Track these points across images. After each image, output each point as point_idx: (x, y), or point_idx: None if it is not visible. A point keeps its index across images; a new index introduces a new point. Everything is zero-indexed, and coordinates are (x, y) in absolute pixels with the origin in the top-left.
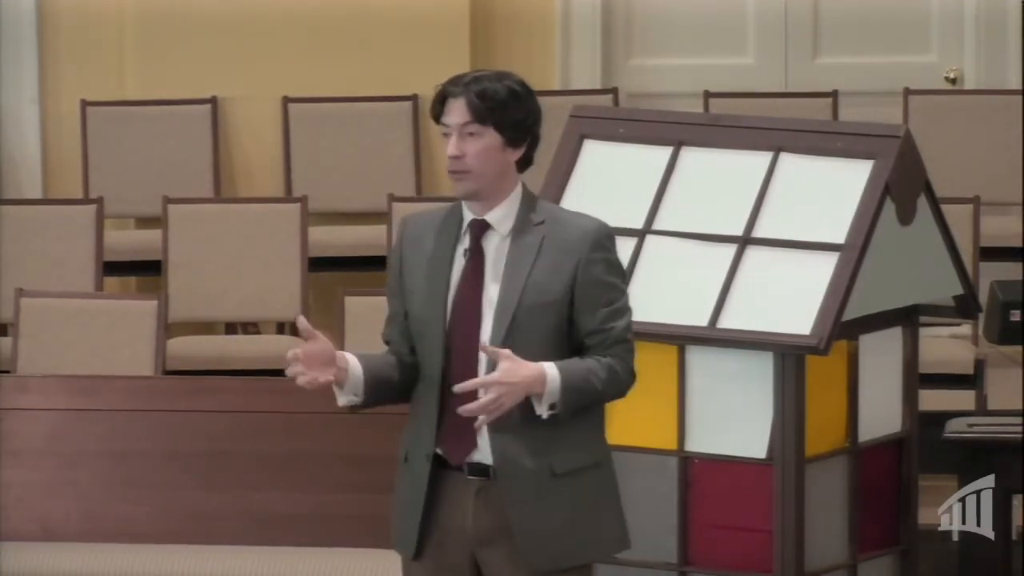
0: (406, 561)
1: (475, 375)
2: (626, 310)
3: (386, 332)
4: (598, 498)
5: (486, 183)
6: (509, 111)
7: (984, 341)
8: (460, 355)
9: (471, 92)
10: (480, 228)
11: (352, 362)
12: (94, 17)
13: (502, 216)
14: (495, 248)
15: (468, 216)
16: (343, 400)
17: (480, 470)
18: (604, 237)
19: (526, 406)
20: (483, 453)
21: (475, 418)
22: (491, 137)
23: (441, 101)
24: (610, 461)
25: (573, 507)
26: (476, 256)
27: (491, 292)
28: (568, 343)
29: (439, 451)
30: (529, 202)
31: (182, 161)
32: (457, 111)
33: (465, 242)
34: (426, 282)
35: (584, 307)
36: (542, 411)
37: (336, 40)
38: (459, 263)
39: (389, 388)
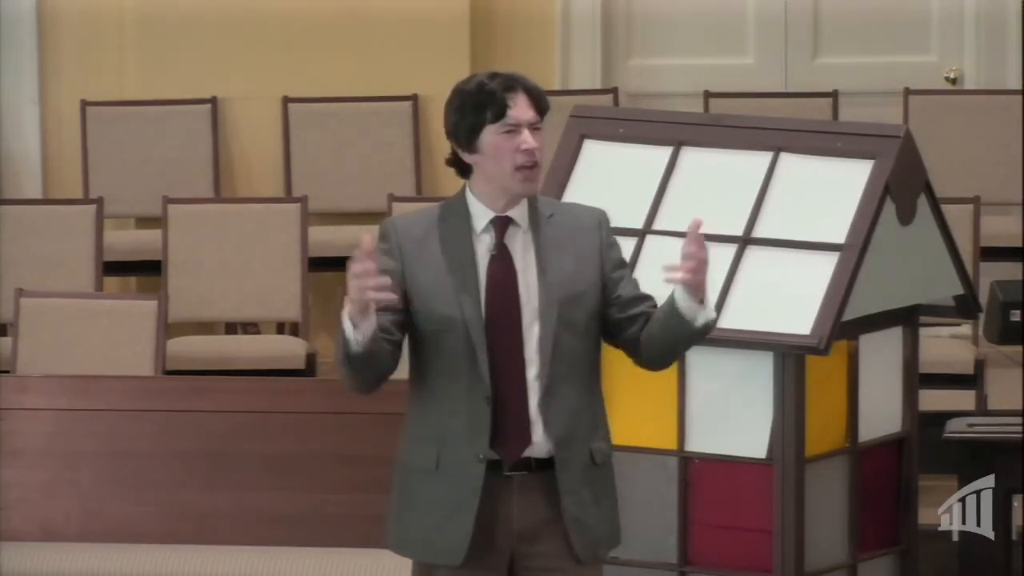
0: (428, 569)
1: (522, 373)
2: None
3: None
4: (613, 490)
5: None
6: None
7: (984, 341)
8: (504, 353)
9: (531, 86)
10: (504, 224)
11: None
12: (94, 17)
13: (521, 212)
14: (520, 243)
15: (484, 213)
16: (353, 337)
17: (523, 465)
18: (609, 222)
19: (576, 392)
20: (537, 448)
21: (528, 416)
22: (543, 133)
23: (502, 97)
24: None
25: (604, 496)
26: (504, 253)
27: (526, 287)
28: (606, 326)
29: (491, 452)
30: (532, 197)
31: (182, 161)
32: (525, 106)
33: (485, 239)
34: (448, 283)
35: (619, 282)
36: (711, 314)
37: (336, 40)
38: (482, 261)
39: (377, 362)
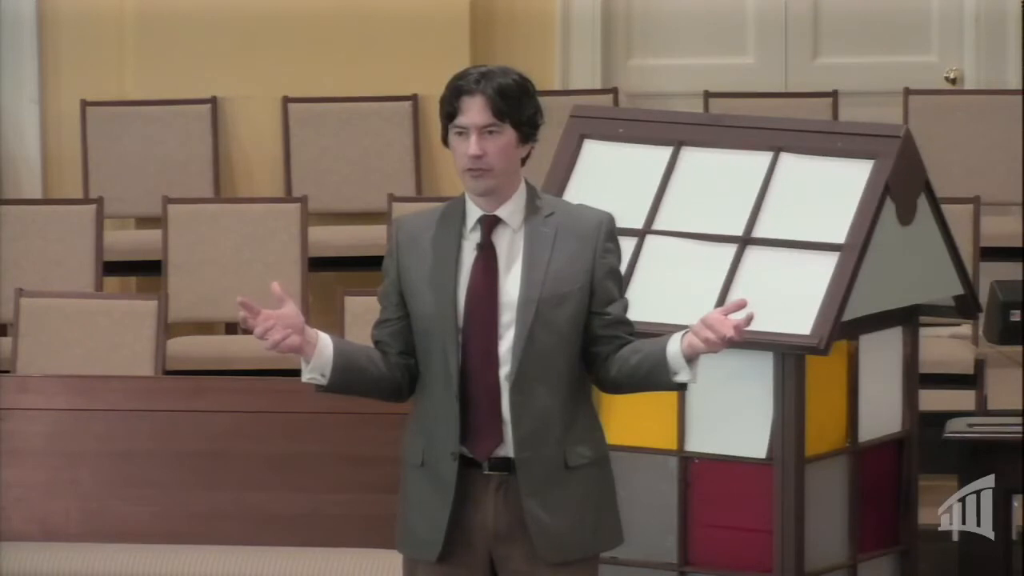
0: (413, 564)
1: (495, 371)
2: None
3: (375, 332)
4: (601, 494)
5: (504, 180)
6: (523, 108)
7: (984, 341)
8: (478, 351)
9: (490, 90)
10: (491, 223)
11: (323, 341)
12: (94, 17)
13: (512, 211)
14: (507, 242)
15: (475, 212)
16: (306, 376)
17: (501, 464)
18: (613, 227)
19: (549, 394)
20: (508, 447)
21: (500, 415)
22: (508, 134)
23: (456, 99)
24: (609, 460)
25: (580, 500)
26: (488, 251)
27: (507, 286)
28: (583, 333)
29: (464, 449)
30: (534, 195)
31: (182, 161)
32: (477, 110)
33: (473, 238)
34: (432, 280)
35: (606, 297)
36: (692, 379)
37: (336, 40)
38: (467, 259)
39: (361, 378)
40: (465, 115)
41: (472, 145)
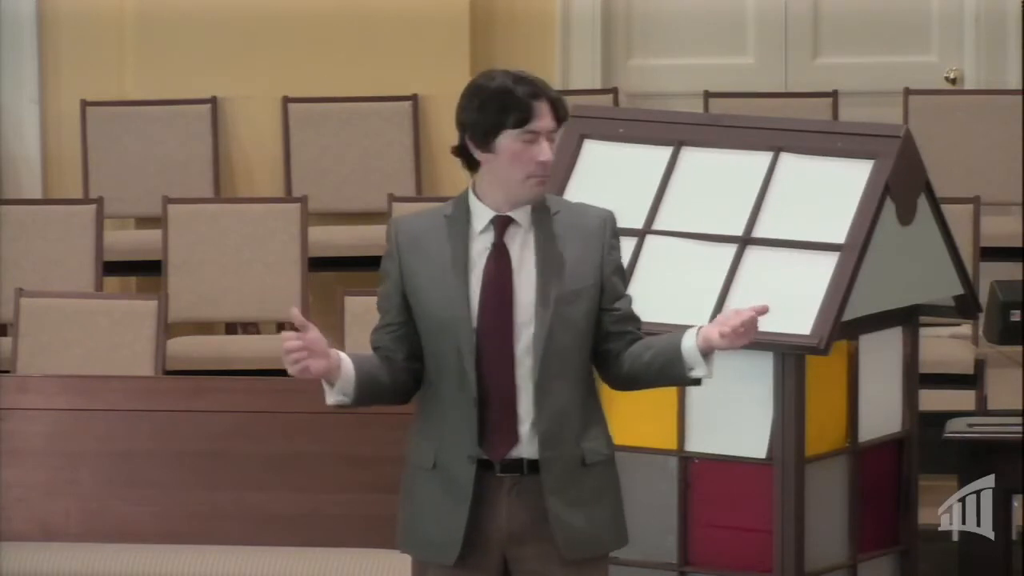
0: (423, 567)
1: (512, 371)
2: None
3: (375, 338)
4: (612, 491)
5: None
6: None
7: (984, 341)
8: (494, 351)
9: (553, 95)
10: (504, 224)
11: (345, 361)
12: (94, 17)
13: (523, 210)
14: (519, 242)
15: (485, 213)
16: (332, 399)
17: (514, 466)
18: (616, 225)
19: (568, 391)
20: (522, 448)
21: (516, 415)
22: (556, 141)
23: (528, 104)
24: (615, 458)
25: (596, 497)
26: (502, 251)
27: (522, 285)
28: (594, 329)
29: (480, 451)
30: None
31: (182, 161)
32: (547, 115)
33: (482, 239)
34: (442, 282)
35: (614, 293)
36: (709, 373)
37: (336, 40)
38: (478, 259)
39: (378, 390)
40: (539, 120)
41: (547, 151)
